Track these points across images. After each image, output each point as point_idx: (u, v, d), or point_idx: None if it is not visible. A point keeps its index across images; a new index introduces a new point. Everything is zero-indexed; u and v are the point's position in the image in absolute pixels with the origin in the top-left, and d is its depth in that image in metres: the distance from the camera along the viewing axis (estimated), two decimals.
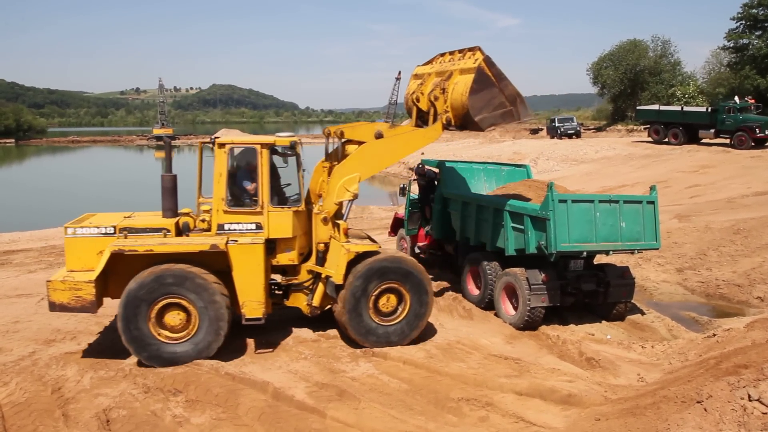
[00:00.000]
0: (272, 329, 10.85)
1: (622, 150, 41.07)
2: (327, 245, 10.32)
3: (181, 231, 9.94)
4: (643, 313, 12.39)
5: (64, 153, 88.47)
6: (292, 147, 10.20)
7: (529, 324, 11.12)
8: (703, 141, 40.59)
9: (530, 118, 11.02)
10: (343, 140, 11.08)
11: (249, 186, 10.10)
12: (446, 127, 10.79)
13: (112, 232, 9.59)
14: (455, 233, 13.66)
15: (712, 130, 39.12)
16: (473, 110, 10.21)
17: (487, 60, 10.26)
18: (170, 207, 10.13)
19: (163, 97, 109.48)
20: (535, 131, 66.96)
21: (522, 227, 11.27)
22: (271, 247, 10.07)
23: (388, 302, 10.10)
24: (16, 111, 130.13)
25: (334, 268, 9.97)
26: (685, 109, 44.23)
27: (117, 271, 9.40)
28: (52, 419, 7.73)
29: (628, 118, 63.75)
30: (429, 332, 10.84)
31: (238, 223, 9.90)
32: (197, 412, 7.88)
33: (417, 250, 15.30)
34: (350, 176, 10.34)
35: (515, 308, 11.42)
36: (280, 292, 10.70)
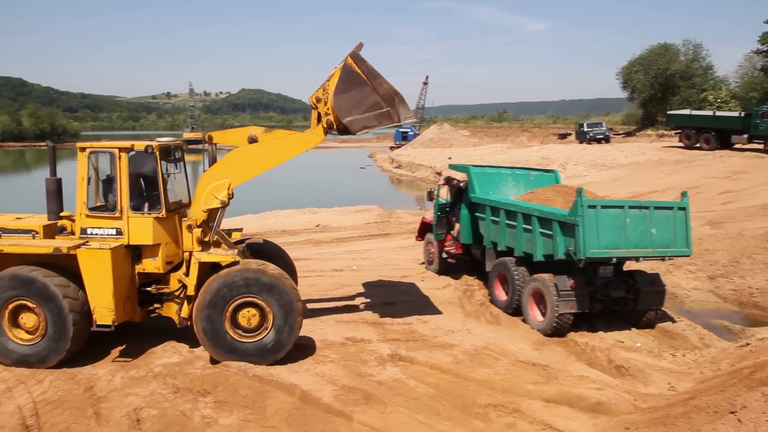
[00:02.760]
0: (300, 332, 10.91)
1: (652, 155, 40.50)
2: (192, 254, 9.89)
3: (54, 233, 9.94)
4: (673, 321, 12.20)
5: None
6: (147, 152, 9.68)
7: (557, 330, 11.03)
8: (736, 146, 39.81)
9: (412, 119, 10.15)
10: (212, 145, 10.77)
11: (111, 191, 9.84)
12: (328, 130, 9.82)
13: None
14: (483, 238, 13.62)
15: (745, 135, 38.36)
16: (340, 112, 9.41)
17: (355, 56, 9.41)
18: (53, 210, 10.19)
19: (193, 101, 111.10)
20: (563, 136, 66.45)
21: (550, 233, 11.19)
22: (137, 254, 9.83)
23: (249, 317, 9.39)
24: (51, 115, 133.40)
25: (189, 279, 9.72)
26: (718, 113, 43.45)
27: None
28: (84, 417, 7.88)
29: (658, 122, 62.95)
30: (456, 337, 10.82)
31: (99, 227, 9.72)
32: (225, 413, 7.96)
33: (444, 255, 15.27)
34: (219, 183, 9.81)
35: (543, 314, 11.34)
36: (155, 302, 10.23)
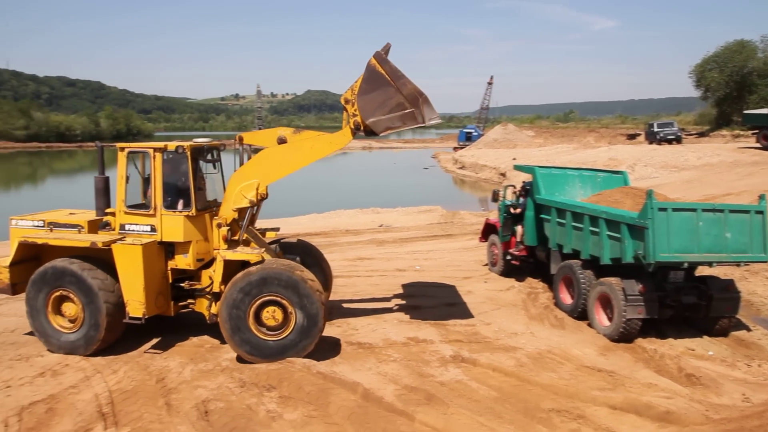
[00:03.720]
0: (362, 331, 11.04)
1: (727, 156, 38.90)
2: None
3: (98, 229, 10.45)
4: (749, 330, 11.71)
5: None
6: (177, 152, 9.98)
7: (624, 336, 10.76)
8: None
9: (437, 120, 9.46)
10: (243, 146, 10.86)
11: (148, 189, 10.23)
12: (355, 132, 9.78)
13: (42, 225, 10.51)
14: (548, 240, 13.43)
15: None
16: (364, 113, 9.40)
17: (379, 57, 9.33)
18: (100, 206, 10.65)
19: (260, 102, 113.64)
20: (632, 136, 64.56)
21: (619, 235, 10.93)
22: (171, 250, 10.17)
23: (272, 315, 9.46)
24: (126, 116, 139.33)
25: (215, 276, 9.94)
26: None
27: (48, 259, 10.16)
28: (156, 407, 8.19)
29: (733, 122, 60.36)
30: (519, 340, 10.71)
31: (136, 224, 10.14)
32: (290, 408, 8.11)
33: (508, 257, 15.12)
34: (248, 183, 10.02)
35: (610, 319, 11.08)
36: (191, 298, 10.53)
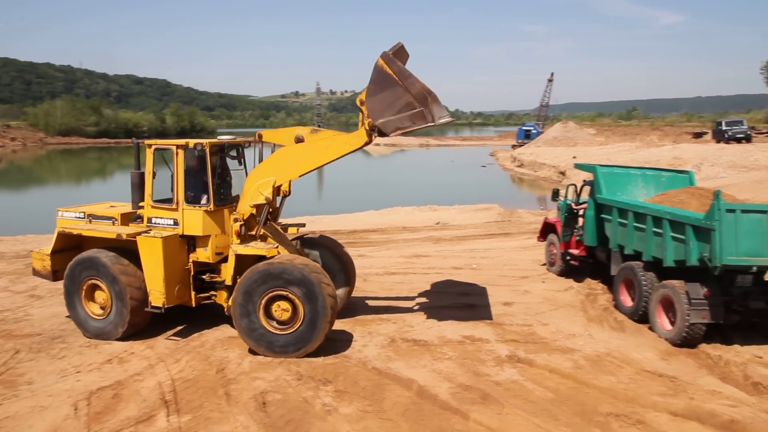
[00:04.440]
0: (418, 328, 11.07)
1: None
2: None
3: (131, 221, 11.07)
4: None
5: None
6: (197, 149, 10.32)
7: (687, 341, 10.44)
8: None
9: (447, 119, 9.12)
10: (261, 143, 10.92)
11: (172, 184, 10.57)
12: (371, 133, 9.59)
13: (82, 216, 11.27)
14: (608, 240, 13.15)
15: None
16: (373, 113, 9.29)
17: (386, 57, 9.15)
18: (135, 200, 11.08)
19: (319, 99, 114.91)
20: (698, 135, 62.49)
21: (683, 237, 10.61)
22: (192, 243, 10.54)
23: (281, 310, 9.65)
24: (191, 113, 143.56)
25: (227, 269, 10.25)
26: None
27: (87, 249, 10.88)
28: (215, 397, 8.42)
29: None
30: (577, 342, 10.54)
31: (161, 217, 10.61)
32: (345, 402, 8.22)
33: (567, 257, 14.88)
34: (265, 180, 10.19)
35: (672, 323, 10.77)
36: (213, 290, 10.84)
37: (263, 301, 9.64)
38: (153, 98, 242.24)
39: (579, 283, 14.36)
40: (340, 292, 11.55)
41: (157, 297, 10.30)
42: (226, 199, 10.80)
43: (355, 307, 12.38)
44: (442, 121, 8.97)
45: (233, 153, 11.17)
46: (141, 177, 10.99)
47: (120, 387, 8.76)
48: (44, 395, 8.52)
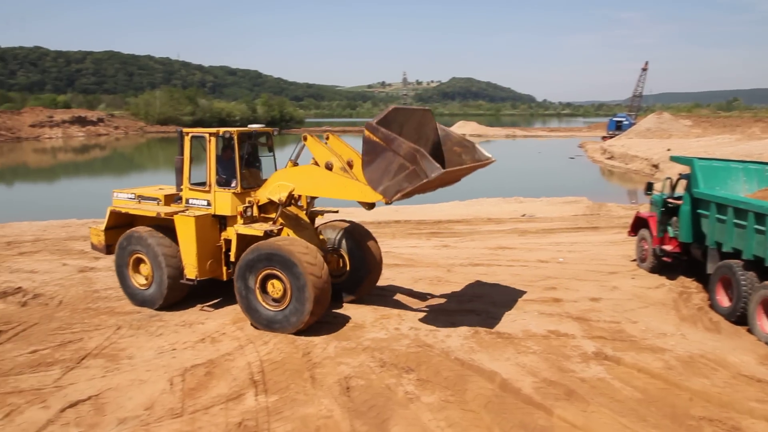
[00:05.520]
0: (502, 321, 10.98)
1: None
2: None
3: (173, 202, 12.06)
4: None
5: None
6: (225, 137, 11.24)
7: None
8: None
9: (438, 172, 8.98)
10: (304, 144, 10.94)
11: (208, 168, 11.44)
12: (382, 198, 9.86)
13: (134, 197, 12.36)
14: (705, 237, 12.56)
15: None
16: (372, 183, 9.68)
17: (370, 127, 9.45)
18: (179, 183, 11.93)
19: (405, 90, 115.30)
20: None
21: None
22: (224, 222, 11.49)
23: (274, 288, 10.29)
24: (280, 104, 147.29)
25: (232, 247, 11.16)
26: None
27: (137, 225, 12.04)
28: (301, 379, 8.67)
29: None
30: (668, 341, 10.15)
31: (197, 198, 11.58)
32: (427, 391, 8.27)
33: (660, 253, 14.34)
34: (285, 183, 10.93)
35: None
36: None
37: (258, 279, 10.35)
38: (245, 89, 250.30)
39: (671, 280, 13.81)
40: (359, 278, 12.03)
41: (191, 270, 11.32)
42: (253, 182, 11.57)
43: (438, 298, 12.42)
44: (435, 174, 9.07)
45: (262, 140, 12.04)
46: (182, 162, 11.81)
47: (212, 365, 9.16)
48: (143, 370, 9.03)
